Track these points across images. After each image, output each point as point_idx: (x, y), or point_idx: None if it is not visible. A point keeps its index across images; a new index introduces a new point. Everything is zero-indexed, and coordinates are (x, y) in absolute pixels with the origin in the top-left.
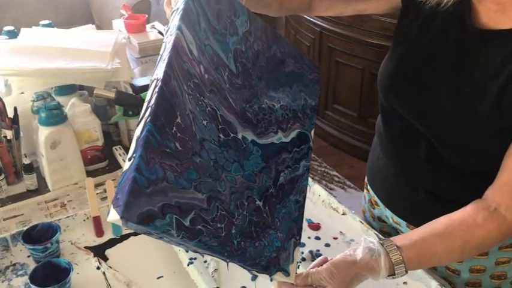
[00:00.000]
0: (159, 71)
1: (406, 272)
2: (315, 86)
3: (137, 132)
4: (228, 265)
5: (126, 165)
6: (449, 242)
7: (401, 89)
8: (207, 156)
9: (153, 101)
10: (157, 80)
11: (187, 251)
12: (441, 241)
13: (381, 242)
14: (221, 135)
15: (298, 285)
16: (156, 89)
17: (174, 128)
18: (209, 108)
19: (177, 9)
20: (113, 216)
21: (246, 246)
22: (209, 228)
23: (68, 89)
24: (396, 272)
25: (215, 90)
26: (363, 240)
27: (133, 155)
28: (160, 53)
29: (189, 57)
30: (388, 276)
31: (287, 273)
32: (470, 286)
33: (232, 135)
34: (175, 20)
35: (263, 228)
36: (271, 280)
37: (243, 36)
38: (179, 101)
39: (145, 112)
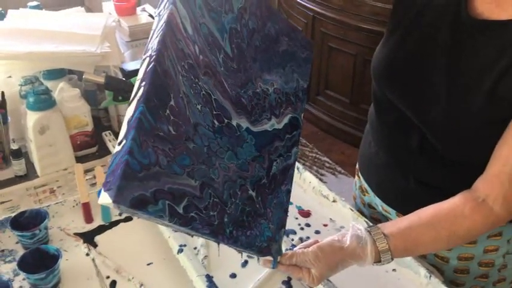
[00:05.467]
0: (152, 48)
1: (392, 259)
2: (307, 65)
3: (129, 112)
4: (219, 250)
5: (116, 148)
6: (435, 232)
7: (395, 77)
8: (201, 142)
9: (146, 80)
10: (151, 57)
11: (175, 231)
12: (428, 231)
13: (368, 229)
14: (215, 121)
15: (282, 264)
16: (149, 68)
17: (168, 111)
18: (203, 92)
19: None
20: (105, 199)
21: (238, 235)
22: (202, 216)
23: (57, 73)
24: (382, 259)
25: (210, 73)
26: (351, 227)
27: (126, 138)
28: (153, 27)
29: (184, 35)
30: (374, 263)
31: (275, 264)
32: (458, 273)
33: (226, 121)
34: None
35: (254, 218)
36: (258, 260)
37: (238, 14)
38: (173, 82)
39: (138, 91)
